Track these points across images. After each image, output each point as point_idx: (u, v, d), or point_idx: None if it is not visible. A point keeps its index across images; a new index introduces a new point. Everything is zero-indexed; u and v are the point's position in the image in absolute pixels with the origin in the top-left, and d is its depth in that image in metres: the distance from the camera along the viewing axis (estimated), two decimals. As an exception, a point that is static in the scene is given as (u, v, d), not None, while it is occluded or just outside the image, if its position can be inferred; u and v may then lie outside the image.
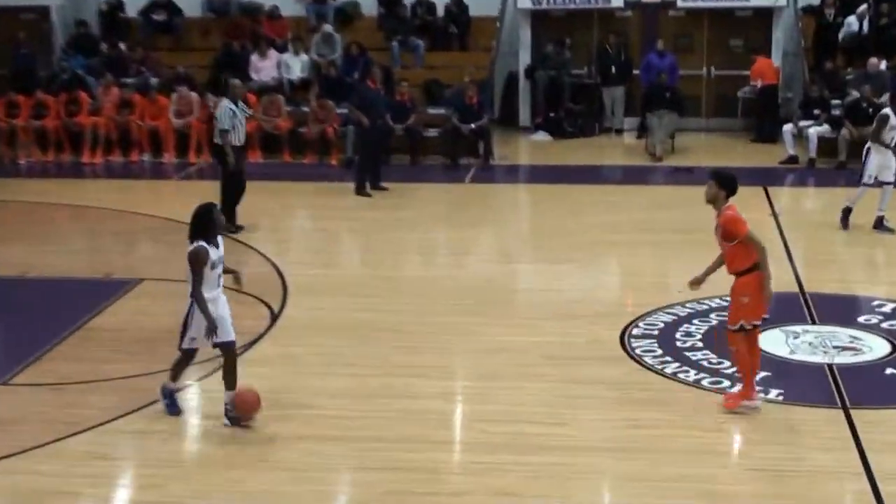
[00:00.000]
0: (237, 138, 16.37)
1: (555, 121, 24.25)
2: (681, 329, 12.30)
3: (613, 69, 24.18)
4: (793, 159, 21.24)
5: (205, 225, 9.56)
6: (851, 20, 23.09)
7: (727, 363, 11.13)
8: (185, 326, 9.67)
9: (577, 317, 12.87)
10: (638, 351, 11.72)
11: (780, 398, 10.49)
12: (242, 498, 8.62)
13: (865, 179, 16.20)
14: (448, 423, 10.15)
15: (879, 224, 16.33)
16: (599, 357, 11.55)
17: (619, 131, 24.70)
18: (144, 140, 22.70)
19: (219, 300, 9.69)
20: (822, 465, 9.18)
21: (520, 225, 18.47)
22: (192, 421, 10.23)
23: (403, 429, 9.76)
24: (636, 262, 15.29)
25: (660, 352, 11.68)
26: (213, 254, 9.50)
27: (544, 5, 24.55)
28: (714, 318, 12.52)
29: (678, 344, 11.86)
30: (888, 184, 16.13)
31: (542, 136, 24.22)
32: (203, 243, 9.47)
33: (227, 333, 9.70)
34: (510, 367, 11.29)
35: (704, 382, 10.83)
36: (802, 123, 21.49)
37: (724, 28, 24.70)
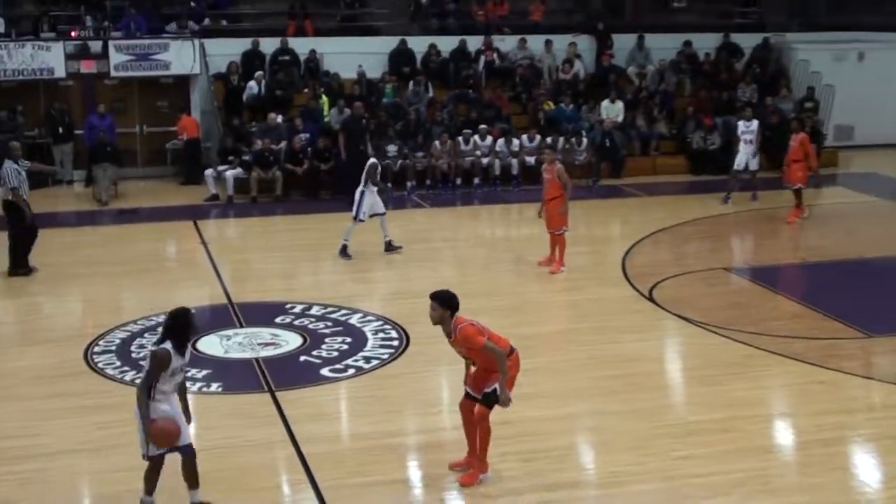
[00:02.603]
0: (24, 192, 15.26)
1: (11, 177, 22.97)
2: (135, 342, 12.20)
3: (61, 130, 23.36)
4: (215, 197, 21.48)
5: (178, 329, 7.85)
6: (252, 84, 23.73)
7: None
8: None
9: (46, 342, 12.45)
10: (100, 365, 11.51)
11: (221, 390, 10.76)
12: None
13: (361, 217, 15.98)
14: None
15: (389, 247, 16.42)
16: (68, 374, 11.24)
17: (70, 182, 23.89)
18: None
19: (171, 398, 7.91)
20: (257, 439, 9.53)
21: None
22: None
23: None
24: (94, 290, 14.89)
25: (119, 363, 11.54)
26: (176, 361, 7.79)
27: (-4, 77, 23.23)
28: (162, 331, 12.53)
29: (133, 355, 11.75)
30: (382, 214, 16.22)
31: None
32: (169, 347, 7.77)
33: (184, 437, 7.92)
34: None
35: (158, 385, 10.81)
36: (220, 168, 21.80)
37: (152, 93, 24.46)
